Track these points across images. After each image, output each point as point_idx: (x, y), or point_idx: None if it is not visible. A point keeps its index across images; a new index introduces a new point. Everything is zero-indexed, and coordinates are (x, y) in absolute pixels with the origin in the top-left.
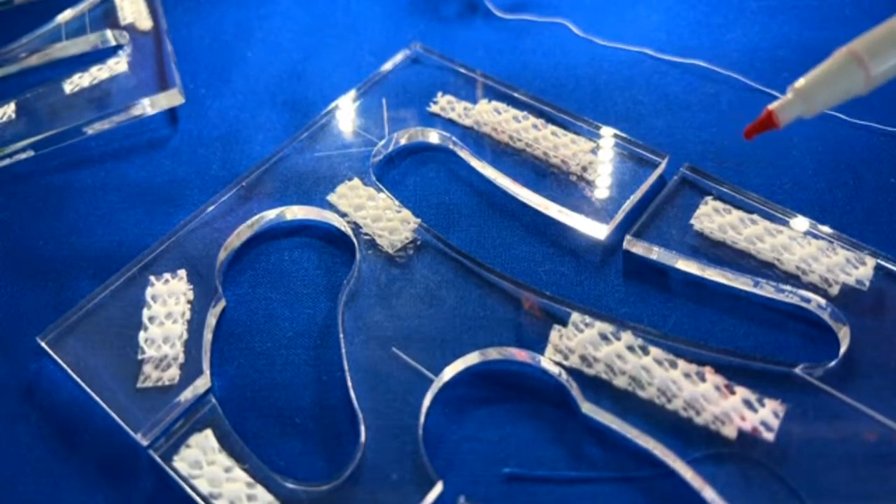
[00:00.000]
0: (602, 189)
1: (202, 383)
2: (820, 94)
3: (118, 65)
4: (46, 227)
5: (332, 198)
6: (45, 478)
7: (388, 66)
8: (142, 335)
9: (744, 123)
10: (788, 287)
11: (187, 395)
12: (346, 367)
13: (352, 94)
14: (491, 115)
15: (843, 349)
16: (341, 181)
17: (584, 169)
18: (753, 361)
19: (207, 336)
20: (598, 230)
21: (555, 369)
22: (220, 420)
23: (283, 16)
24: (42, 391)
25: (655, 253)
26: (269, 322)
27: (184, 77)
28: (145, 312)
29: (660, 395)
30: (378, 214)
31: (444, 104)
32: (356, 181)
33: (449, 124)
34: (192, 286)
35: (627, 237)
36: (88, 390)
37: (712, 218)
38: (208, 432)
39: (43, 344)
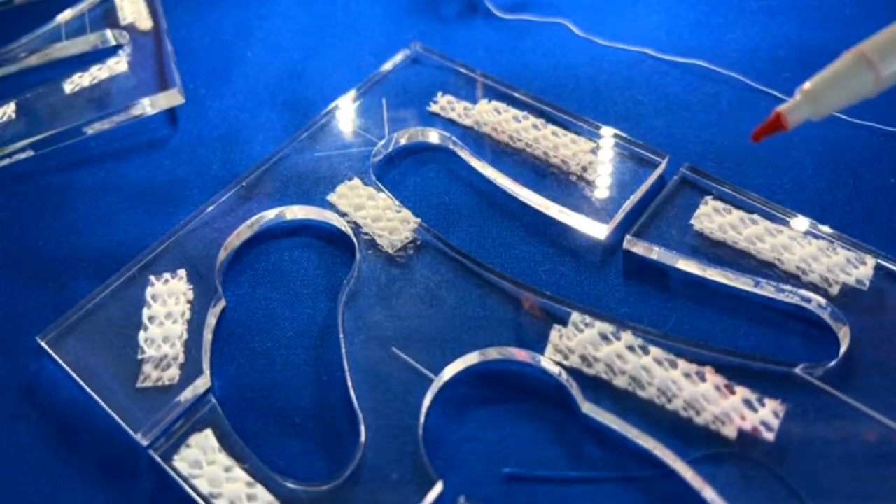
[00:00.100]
0: (602, 189)
1: (202, 383)
2: (829, 96)
3: (118, 65)
4: (46, 227)
5: (332, 197)
6: (45, 478)
7: (388, 66)
8: (142, 335)
9: (744, 123)
10: (788, 287)
11: (187, 395)
12: (346, 367)
13: (352, 94)
14: (491, 115)
15: (843, 349)
16: (341, 181)
17: (584, 169)
18: (753, 361)
19: (207, 336)
20: (598, 230)
21: (555, 369)
22: (220, 420)
23: (283, 16)
24: (42, 391)
25: (655, 253)
26: (269, 322)
27: (184, 77)
28: (145, 312)
29: (660, 395)
30: (378, 214)
31: (444, 104)
32: (356, 181)
33: (449, 124)
34: (192, 286)
35: (627, 237)
36: (88, 390)
37: (712, 218)
38: (208, 432)
39: (43, 344)
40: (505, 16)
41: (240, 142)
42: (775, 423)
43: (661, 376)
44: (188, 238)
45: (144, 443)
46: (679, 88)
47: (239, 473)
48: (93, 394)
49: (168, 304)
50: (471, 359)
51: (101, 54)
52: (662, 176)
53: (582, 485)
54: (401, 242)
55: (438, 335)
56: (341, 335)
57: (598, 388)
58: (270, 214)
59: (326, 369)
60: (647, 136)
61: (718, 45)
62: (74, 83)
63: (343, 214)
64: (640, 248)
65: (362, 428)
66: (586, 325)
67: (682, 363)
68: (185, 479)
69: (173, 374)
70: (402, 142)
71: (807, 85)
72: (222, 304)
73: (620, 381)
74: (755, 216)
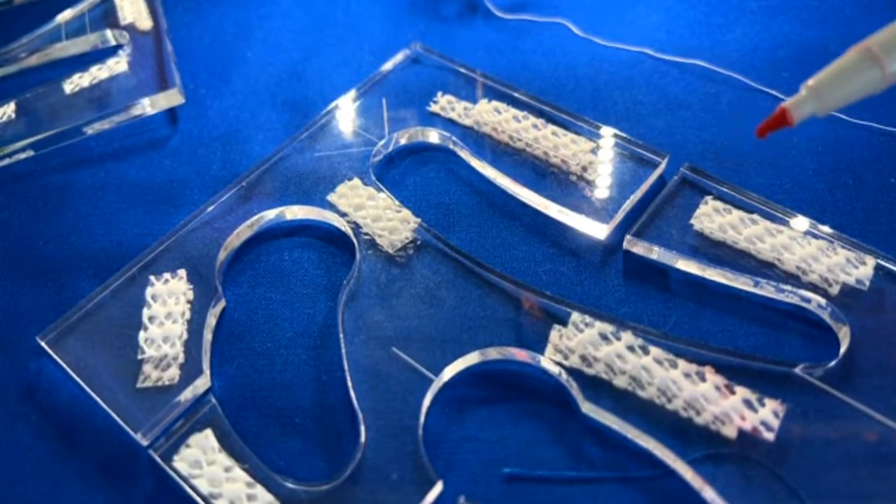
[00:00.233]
0: (602, 189)
1: (202, 383)
2: (834, 91)
3: (118, 65)
4: (46, 227)
5: (332, 198)
6: (45, 478)
7: (388, 66)
8: (142, 335)
9: (744, 123)
10: (788, 287)
11: (187, 395)
12: (346, 367)
13: (352, 94)
14: (491, 115)
15: (843, 349)
16: (341, 181)
17: (584, 169)
18: (753, 361)
19: (207, 336)
20: (598, 230)
21: (555, 369)
22: (220, 420)
23: (283, 16)
24: (42, 391)
25: (655, 253)
26: (269, 322)
27: (184, 77)
28: (145, 312)
29: (660, 395)
30: (378, 214)
31: (444, 104)
32: (356, 181)
33: (449, 124)
34: (192, 286)
35: (627, 237)
36: (88, 390)
37: (712, 218)
38: (208, 432)
39: (43, 344)
40: (505, 16)
41: (240, 142)
42: (775, 423)
43: (661, 376)
44: (188, 238)
45: (144, 443)
46: (679, 88)
47: (239, 473)
48: (93, 394)
49: (168, 304)
50: (471, 359)
51: (101, 54)
52: (662, 176)
53: (582, 485)
54: (401, 242)
55: (438, 335)
56: (341, 335)
57: (598, 388)
58: (270, 214)
59: (326, 369)
60: (647, 136)
61: (718, 45)
62: (74, 83)
63: (343, 214)
64: (640, 248)
65: (362, 428)
66: (586, 325)
67: (682, 363)
68: (185, 479)
69: (173, 374)
70: (402, 142)
71: (812, 80)
72: (222, 304)
73: (620, 381)
74: (755, 216)
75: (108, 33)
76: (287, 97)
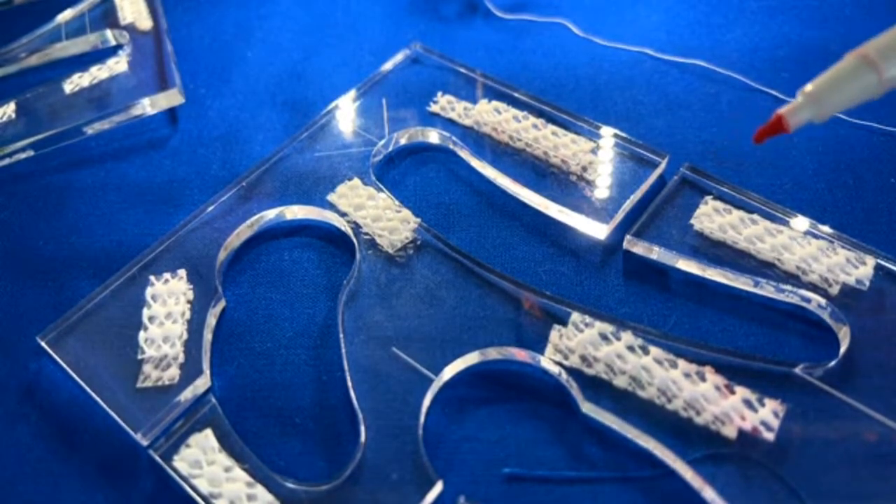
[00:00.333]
0: (602, 189)
1: (202, 383)
2: (831, 98)
3: (118, 65)
4: (46, 227)
5: (332, 197)
6: (45, 478)
7: (388, 66)
8: (142, 335)
9: (744, 123)
10: (788, 287)
11: (187, 394)
12: (346, 367)
13: (352, 94)
14: (491, 115)
15: (843, 349)
16: (341, 181)
17: (584, 169)
18: (753, 361)
19: (207, 336)
20: (598, 230)
21: (555, 369)
22: (220, 420)
23: (283, 16)
24: (42, 391)
25: (655, 253)
26: (269, 322)
27: (184, 77)
28: (145, 312)
29: (660, 395)
30: (378, 214)
31: (444, 104)
32: (356, 181)
33: (449, 124)
34: (192, 286)
35: (627, 237)
36: (88, 390)
37: (712, 218)
38: (208, 432)
39: (43, 344)
40: (505, 16)
41: (240, 142)
42: (775, 423)
43: (661, 376)
44: (188, 238)
45: (144, 443)
46: (679, 88)
47: (239, 473)
48: (93, 394)
49: (168, 304)
50: (471, 359)
51: (101, 54)
52: (662, 176)
53: (582, 485)
54: (401, 242)
55: (438, 335)
56: (341, 335)
57: (598, 388)
58: (270, 214)
59: (326, 369)
60: (647, 136)
61: (718, 45)
62: (74, 83)
63: (343, 214)
64: (640, 248)
65: (362, 428)
66: (586, 325)
67: (682, 363)
68: (185, 479)
69: (173, 374)
70: (402, 142)
71: (808, 87)
72: (222, 304)
73: (620, 381)
74: (755, 216)
75: (108, 33)
76: (287, 97)
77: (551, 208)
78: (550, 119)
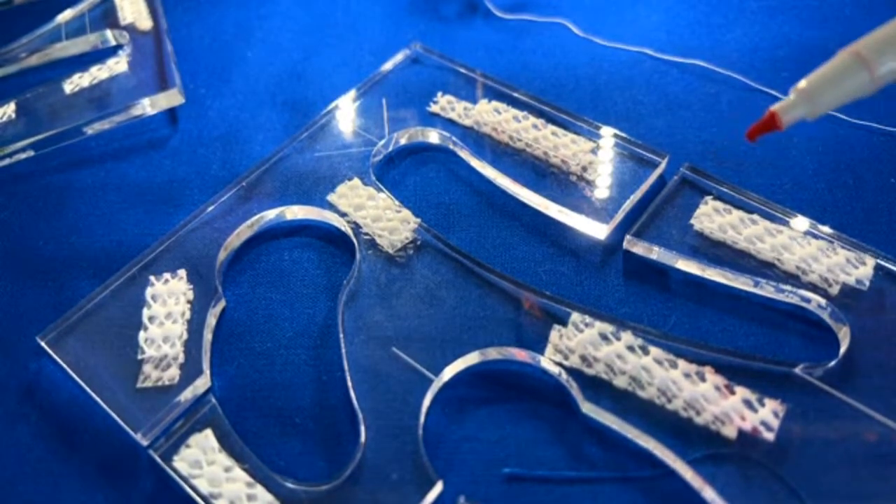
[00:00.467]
0: (602, 189)
1: (202, 383)
2: (823, 95)
3: (118, 65)
4: (46, 227)
5: (332, 198)
6: (45, 478)
7: (388, 66)
8: (142, 335)
9: (744, 123)
10: (788, 287)
11: (187, 395)
12: (346, 367)
13: (352, 94)
14: (491, 115)
15: (843, 349)
16: (341, 181)
17: (584, 169)
18: (753, 361)
19: (207, 336)
20: (598, 230)
21: (555, 369)
22: (220, 420)
23: (283, 16)
24: (42, 391)
25: (655, 253)
26: (269, 322)
27: (184, 77)
28: (145, 312)
29: (660, 395)
30: (378, 214)
31: (444, 104)
32: (356, 181)
33: (449, 124)
34: (192, 286)
35: (627, 237)
36: (88, 390)
37: (712, 218)
38: (208, 432)
39: (43, 344)
40: (505, 16)
41: (240, 142)
42: (775, 423)
43: (661, 376)
44: (188, 238)
45: (144, 443)
46: (679, 88)
47: (239, 473)
48: (93, 394)
49: (168, 304)
50: (471, 359)
51: (101, 54)
52: (662, 176)
53: (582, 485)
54: (401, 242)
55: (438, 335)
56: (341, 335)
57: (598, 388)
58: (270, 214)
59: (326, 369)
60: (647, 136)
61: (718, 45)
62: (74, 83)
63: (343, 214)
64: (640, 248)
65: (362, 428)
66: (586, 325)
67: (682, 363)
68: (185, 479)
69: (173, 374)
70: (402, 142)
71: (801, 84)
72: (222, 304)
73: (620, 381)
74: (755, 216)
75: (108, 33)
76: (287, 97)
77: (551, 208)
78: (550, 119)
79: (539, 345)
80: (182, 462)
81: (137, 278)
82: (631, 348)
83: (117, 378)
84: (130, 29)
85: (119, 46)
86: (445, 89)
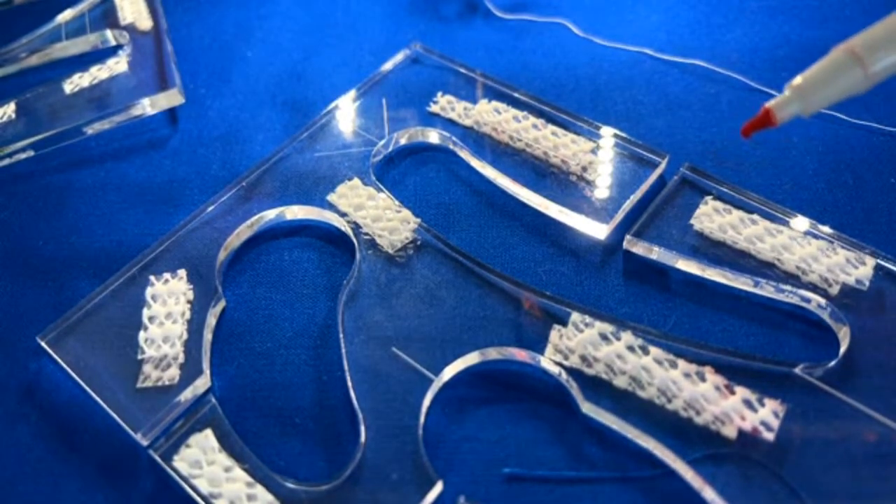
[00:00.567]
0: (602, 189)
1: (202, 383)
2: (817, 92)
3: (118, 65)
4: (46, 227)
5: (332, 198)
6: (45, 478)
7: (388, 66)
8: (142, 335)
9: (744, 123)
10: (788, 287)
11: (187, 395)
12: (346, 367)
13: (352, 94)
14: (491, 115)
15: (843, 349)
16: (341, 181)
17: (584, 169)
18: (753, 361)
19: (207, 336)
20: (598, 230)
21: (555, 369)
22: (220, 420)
23: (283, 16)
24: (42, 391)
25: (655, 253)
26: (269, 322)
27: (184, 77)
28: (145, 312)
29: (660, 395)
30: (378, 214)
31: (444, 104)
32: (356, 181)
33: (449, 124)
34: (192, 286)
35: (627, 237)
36: (88, 390)
37: (712, 218)
38: (208, 432)
39: (43, 344)
40: (505, 16)
41: (240, 142)
42: (775, 423)
43: (661, 376)
44: (188, 238)
45: (144, 443)
46: (679, 88)
47: (239, 473)
48: (93, 394)
49: (168, 304)
50: (471, 359)
51: (101, 54)
52: (662, 176)
53: (582, 485)
54: (401, 242)
55: (438, 335)
56: (341, 335)
57: (598, 388)
58: (270, 214)
59: (326, 369)
60: (647, 136)
61: (718, 45)
62: (74, 83)
63: (343, 214)
64: (640, 248)
65: (362, 428)
66: (586, 325)
67: (682, 363)
68: (185, 479)
69: (173, 374)
70: (402, 142)
71: (796, 81)
72: (222, 304)
73: (620, 381)
74: (755, 216)
75: (108, 33)
76: (287, 97)
77: (551, 208)
78: (550, 119)
79: (539, 345)
80: (182, 462)
81: (137, 278)
82: (631, 348)
83: (117, 378)
84: (130, 29)
85: (119, 46)
86: (445, 89)
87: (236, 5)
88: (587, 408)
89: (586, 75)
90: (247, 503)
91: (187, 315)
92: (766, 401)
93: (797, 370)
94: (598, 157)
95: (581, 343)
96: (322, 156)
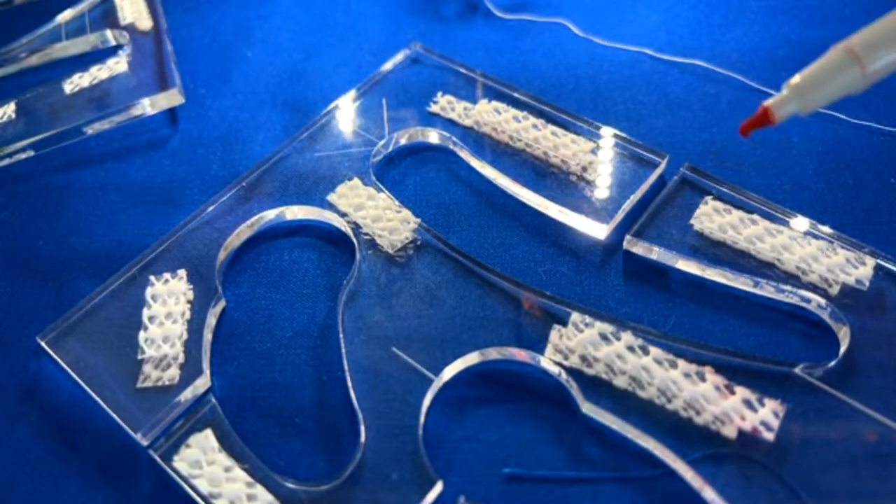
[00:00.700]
0: (602, 189)
1: (202, 383)
2: (816, 91)
3: (118, 65)
4: (46, 227)
5: (332, 198)
6: (45, 478)
7: (388, 66)
8: (142, 335)
9: (742, 122)
10: (788, 287)
11: (187, 395)
12: (346, 367)
13: (352, 94)
14: (491, 115)
15: (843, 349)
16: (341, 181)
17: (584, 169)
18: (753, 361)
19: (207, 336)
20: (598, 230)
21: (555, 369)
22: (220, 420)
23: (283, 16)
24: (42, 391)
25: (655, 253)
26: (269, 322)
27: (184, 77)
28: (145, 312)
29: (660, 395)
30: (378, 214)
31: (444, 104)
32: (356, 181)
33: (449, 124)
34: (192, 286)
35: (627, 237)
36: (88, 390)
37: (712, 218)
38: (208, 432)
39: (43, 344)
40: (505, 16)
41: (240, 142)
42: (775, 423)
43: (661, 376)
44: (188, 238)
45: (144, 443)
46: (679, 88)
47: (239, 473)
48: (93, 394)
49: (168, 304)
50: (471, 359)
51: (101, 54)
52: (662, 176)
53: (582, 485)
54: (401, 242)
55: (438, 335)
56: (341, 335)
57: (598, 388)
58: (270, 214)
59: (326, 369)
60: (647, 136)
61: (718, 45)
62: (74, 83)
63: (343, 214)
64: (640, 248)
65: (362, 428)
66: (586, 325)
67: (682, 363)
68: (185, 479)
69: (173, 374)
70: (402, 142)
71: (794, 79)
72: (222, 304)
73: (620, 381)
74: (755, 216)
75: (108, 33)
76: (287, 97)
77: (551, 208)
78: (550, 119)
79: (539, 345)
80: (182, 462)
81: (137, 278)
82: (631, 348)
83: (117, 378)
84: (130, 29)
85: (119, 46)
86: (445, 89)
87: (236, 5)
88: (587, 408)
89: (586, 75)
90: (247, 503)
91: (187, 315)
92: (766, 401)
93: (797, 370)
94: (598, 157)
95: (581, 343)
96: (322, 156)
